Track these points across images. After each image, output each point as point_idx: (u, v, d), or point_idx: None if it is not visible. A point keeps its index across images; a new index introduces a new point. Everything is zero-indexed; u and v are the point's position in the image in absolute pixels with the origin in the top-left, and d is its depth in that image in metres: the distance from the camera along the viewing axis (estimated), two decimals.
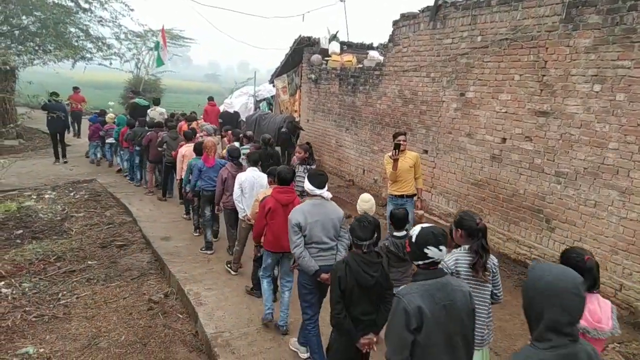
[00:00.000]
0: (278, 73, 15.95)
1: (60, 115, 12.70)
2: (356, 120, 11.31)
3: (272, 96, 16.89)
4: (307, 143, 7.99)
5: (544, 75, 6.45)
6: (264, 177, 6.07)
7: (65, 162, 13.44)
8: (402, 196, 6.59)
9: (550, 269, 2.00)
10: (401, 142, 6.28)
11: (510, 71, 6.97)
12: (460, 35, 7.89)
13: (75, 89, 17.04)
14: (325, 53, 13.44)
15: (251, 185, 6.06)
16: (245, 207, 6.00)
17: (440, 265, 2.76)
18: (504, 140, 7.19)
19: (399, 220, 4.44)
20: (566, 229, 6.32)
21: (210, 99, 15.09)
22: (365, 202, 4.70)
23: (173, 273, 6.32)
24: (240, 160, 6.92)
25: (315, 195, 4.31)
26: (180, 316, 5.51)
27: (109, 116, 13.25)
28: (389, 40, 9.90)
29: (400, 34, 9.50)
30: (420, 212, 6.82)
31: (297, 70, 14.61)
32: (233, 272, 6.39)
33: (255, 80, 17.56)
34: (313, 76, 13.19)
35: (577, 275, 1.96)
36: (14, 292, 5.95)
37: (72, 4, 17.10)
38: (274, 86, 16.49)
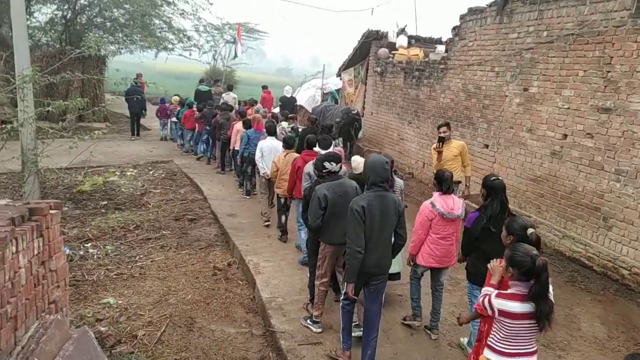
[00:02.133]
0: (345, 66, 16.29)
1: (142, 96, 14.94)
2: (419, 113, 11.43)
3: (337, 90, 17.27)
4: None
5: (608, 72, 6.37)
6: (279, 144, 7.69)
7: (138, 138, 15.47)
8: None
9: (375, 156, 4.05)
10: (442, 135, 6.72)
11: (575, 67, 6.91)
12: (526, 29, 7.87)
13: (139, 74, 18.60)
14: (392, 47, 13.59)
15: (269, 150, 7.75)
16: (265, 166, 7.68)
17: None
18: (564, 136, 7.14)
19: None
20: (623, 228, 6.23)
21: (265, 87, 17.08)
22: (359, 163, 5.27)
23: (236, 245, 6.90)
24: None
25: None
26: (240, 282, 6.06)
27: (174, 98, 15.13)
28: (455, 34, 9.95)
29: (466, 28, 9.54)
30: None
31: (364, 63, 14.87)
32: (283, 239, 7.25)
33: (324, 73, 18.03)
34: (379, 69, 13.40)
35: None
36: (98, 252, 6.74)
37: None
38: (340, 79, 16.85)
